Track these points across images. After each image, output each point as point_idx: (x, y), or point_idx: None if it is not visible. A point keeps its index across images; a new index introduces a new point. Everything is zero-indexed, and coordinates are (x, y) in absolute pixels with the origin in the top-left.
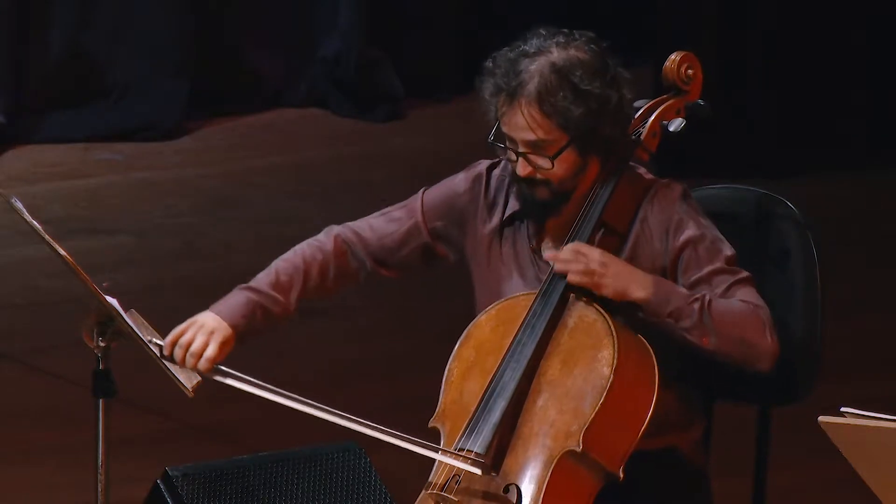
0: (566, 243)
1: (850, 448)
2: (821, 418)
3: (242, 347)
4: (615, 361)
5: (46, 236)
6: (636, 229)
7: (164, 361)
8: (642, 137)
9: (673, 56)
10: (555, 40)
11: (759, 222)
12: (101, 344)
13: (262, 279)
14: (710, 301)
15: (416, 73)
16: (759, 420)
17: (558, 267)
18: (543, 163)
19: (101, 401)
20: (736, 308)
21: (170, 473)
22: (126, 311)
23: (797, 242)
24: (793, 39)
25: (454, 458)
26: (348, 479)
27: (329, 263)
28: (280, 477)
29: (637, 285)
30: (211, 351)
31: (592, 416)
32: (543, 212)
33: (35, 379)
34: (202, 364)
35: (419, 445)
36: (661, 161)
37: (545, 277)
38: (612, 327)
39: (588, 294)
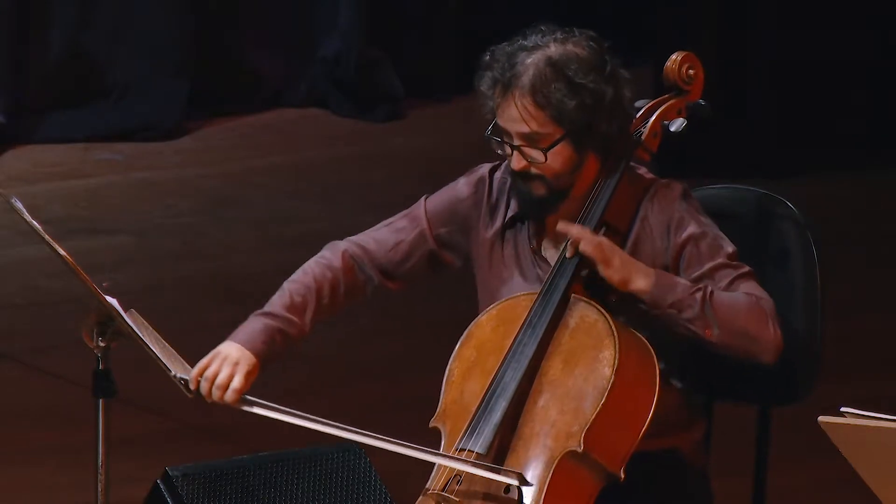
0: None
1: (850, 448)
2: (821, 418)
3: None
4: (616, 362)
5: (46, 236)
6: (637, 228)
7: (163, 361)
8: (643, 137)
9: (674, 56)
10: (553, 36)
11: (759, 222)
12: (101, 344)
13: (277, 303)
14: (712, 292)
15: (416, 73)
16: (759, 420)
17: (574, 233)
18: (537, 155)
19: (101, 401)
20: (739, 299)
21: (170, 473)
22: (126, 311)
23: (797, 242)
24: (793, 39)
25: (485, 470)
26: (348, 480)
27: (339, 280)
28: (280, 477)
29: (640, 275)
30: (237, 382)
31: (593, 416)
32: (540, 209)
33: (35, 379)
34: (229, 396)
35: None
36: (662, 161)
37: (546, 277)
38: (613, 327)
39: (589, 293)
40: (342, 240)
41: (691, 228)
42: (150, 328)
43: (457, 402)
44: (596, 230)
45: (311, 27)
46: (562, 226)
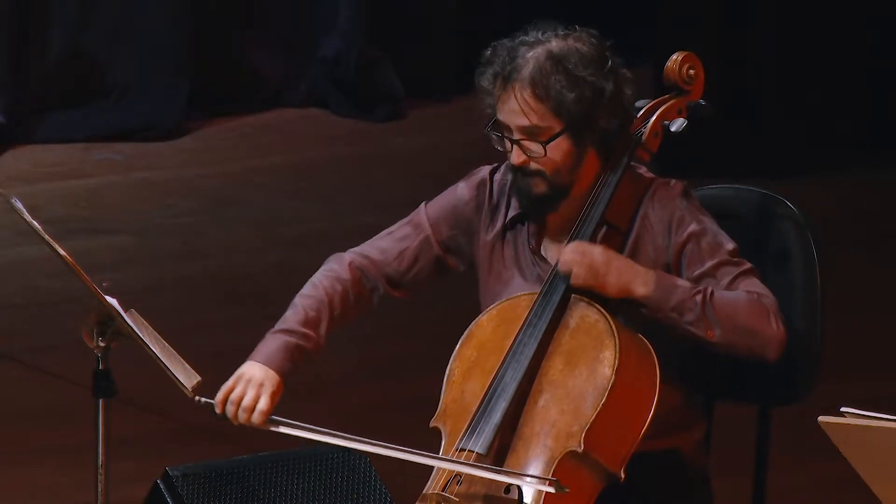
0: (569, 241)
1: (850, 448)
2: (821, 418)
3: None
4: (617, 362)
5: (46, 236)
6: (637, 226)
7: (163, 361)
8: (644, 138)
9: (675, 56)
10: (555, 32)
11: (759, 222)
12: (101, 344)
13: (291, 318)
14: (712, 293)
15: (416, 73)
16: (759, 420)
17: (562, 269)
18: (536, 149)
19: (101, 401)
20: (739, 298)
21: (170, 473)
22: (126, 311)
23: (797, 242)
24: (793, 39)
25: (531, 480)
26: (348, 480)
27: (349, 292)
28: (280, 477)
29: (639, 281)
30: (263, 404)
31: (594, 416)
32: (540, 208)
33: (35, 379)
34: (256, 418)
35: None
36: (662, 161)
37: (546, 277)
38: (613, 328)
39: (590, 294)
40: (345, 251)
41: (692, 226)
42: (150, 328)
43: (457, 402)
44: (597, 229)
45: (311, 27)
46: (552, 255)
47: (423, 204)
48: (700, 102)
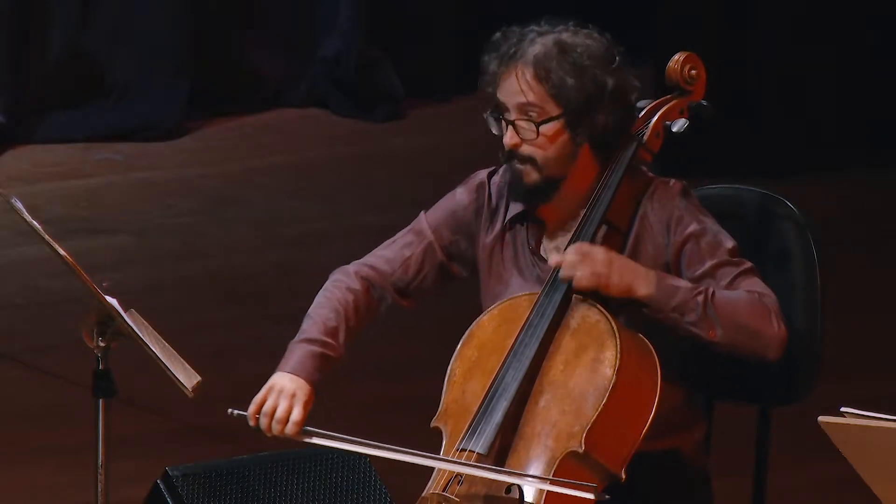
0: (570, 243)
1: (850, 448)
2: (821, 418)
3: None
4: (618, 362)
5: (46, 236)
6: (637, 226)
7: (163, 361)
8: (645, 138)
9: (676, 56)
10: (566, 25)
11: (759, 222)
12: (101, 344)
13: (312, 329)
14: (713, 293)
15: (416, 73)
16: (759, 420)
17: (564, 273)
18: (529, 128)
19: (101, 401)
20: (740, 298)
21: (170, 473)
22: (126, 311)
23: (797, 242)
24: (793, 39)
25: (564, 488)
26: (348, 479)
27: (360, 302)
28: (280, 477)
29: (641, 282)
30: (296, 414)
31: (595, 416)
32: (530, 197)
33: (35, 379)
34: (290, 429)
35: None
36: (662, 161)
37: (547, 278)
38: (614, 328)
39: (591, 294)
40: (349, 264)
41: (691, 226)
42: (150, 328)
43: (458, 402)
44: (597, 229)
45: (311, 27)
46: (553, 261)
47: (422, 212)
48: (702, 103)
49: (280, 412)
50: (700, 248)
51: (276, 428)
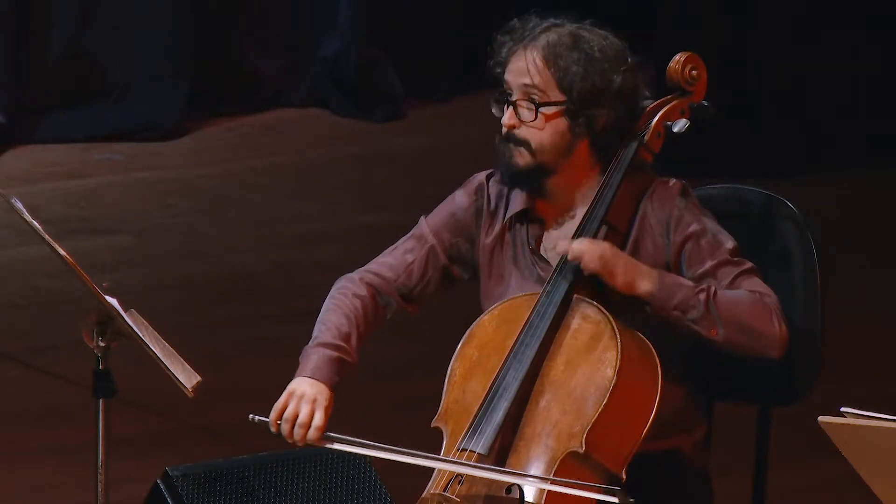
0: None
1: (850, 448)
2: (821, 418)
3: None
4: (619, 362)
5: (46, 236)
6: (637, 227)
7: (163, 361)
8: (646, 138)
9: (677, 57)
10: (584, 23)
11: (759, 222)
12: (101, 344)
13: (326, 334)
14: (715, 292)
15: (416, 73)
16: (759, 420)
17: (573, 254)
18: (529, 110)
19: (101, 401)
20: (742, 298)
21: (170, 473)
22: (126, 311)
23: (797, 242)
24: (793, 39)
25: (589, 492)
26: (348, 479)
27: (368, 308)
28: (280, 477)
29: (643, 278)
30: (318, 419)
31: (595, 416)
32: (518, 181)
33: (35, 379)
34: (312, 434)
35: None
36: (662, 161)
37: (548, 278)
38: (615, 328)
39: (592, 294)
40: (353, 272)
41: (691, 226)
42: (150, 328)
43: (458, 402)
44: (598, 230)
45: (311, 27)
46: (561, 247)
47: (422, 217)
48: (703, 103)
49: (302, 417)
50: (700, 247)
51: (298, 433)
